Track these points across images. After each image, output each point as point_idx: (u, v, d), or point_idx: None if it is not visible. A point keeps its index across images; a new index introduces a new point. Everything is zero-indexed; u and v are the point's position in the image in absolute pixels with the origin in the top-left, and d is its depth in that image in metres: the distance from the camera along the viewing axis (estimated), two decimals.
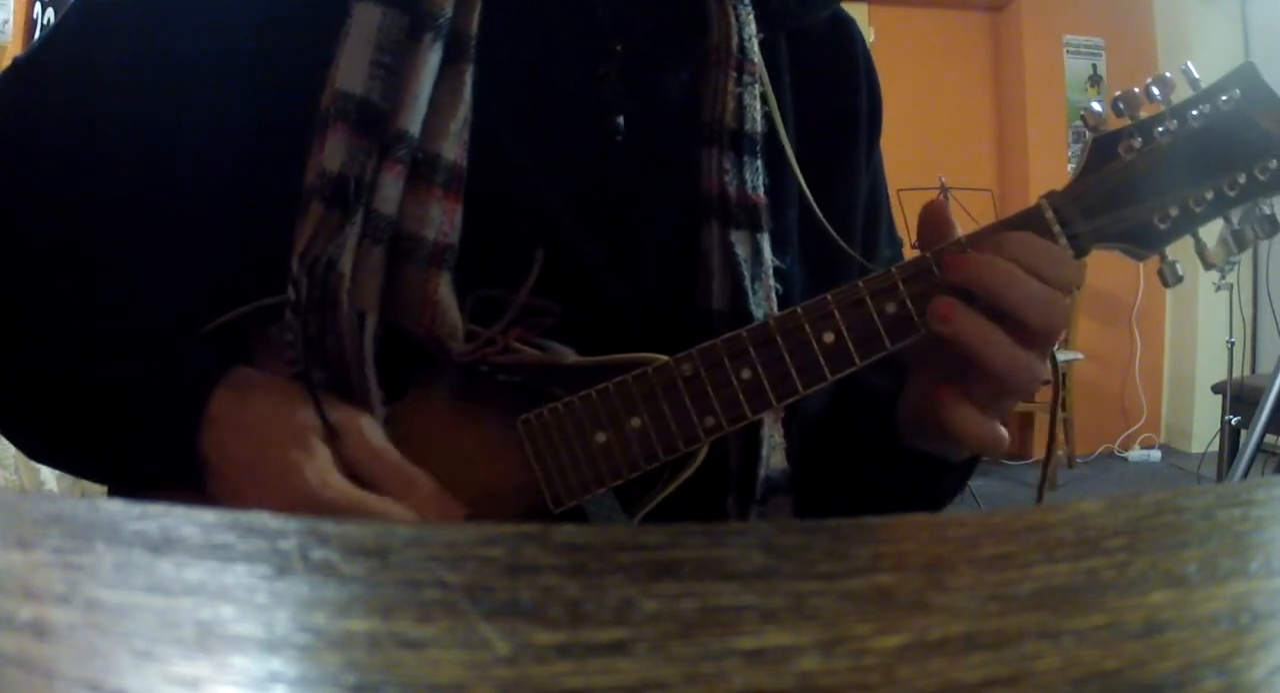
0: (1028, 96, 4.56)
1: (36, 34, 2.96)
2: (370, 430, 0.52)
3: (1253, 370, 3.74)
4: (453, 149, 0.54)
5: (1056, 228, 0.55)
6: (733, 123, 0.61)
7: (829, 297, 0.54)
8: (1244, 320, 3.70)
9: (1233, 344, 3.30)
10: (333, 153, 0.52)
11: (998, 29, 4.79)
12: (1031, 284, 0.53)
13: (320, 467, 0.50)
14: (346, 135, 0.52)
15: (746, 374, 0.54)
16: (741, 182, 0.60)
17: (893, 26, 4.46)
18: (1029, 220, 0.56)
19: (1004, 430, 0.55)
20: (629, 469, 0.54)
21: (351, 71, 0.53)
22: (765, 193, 0.61)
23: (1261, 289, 3.90)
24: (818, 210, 0.62)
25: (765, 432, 0.59)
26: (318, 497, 0.49)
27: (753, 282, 0.59)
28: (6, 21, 2.94)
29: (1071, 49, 4.59)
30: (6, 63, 0.63)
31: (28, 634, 0.15)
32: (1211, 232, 0.58)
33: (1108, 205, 0.56)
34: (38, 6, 3.02)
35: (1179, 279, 0.58)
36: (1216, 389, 3.25)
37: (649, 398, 0.54)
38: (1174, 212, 0.56)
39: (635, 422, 0.54)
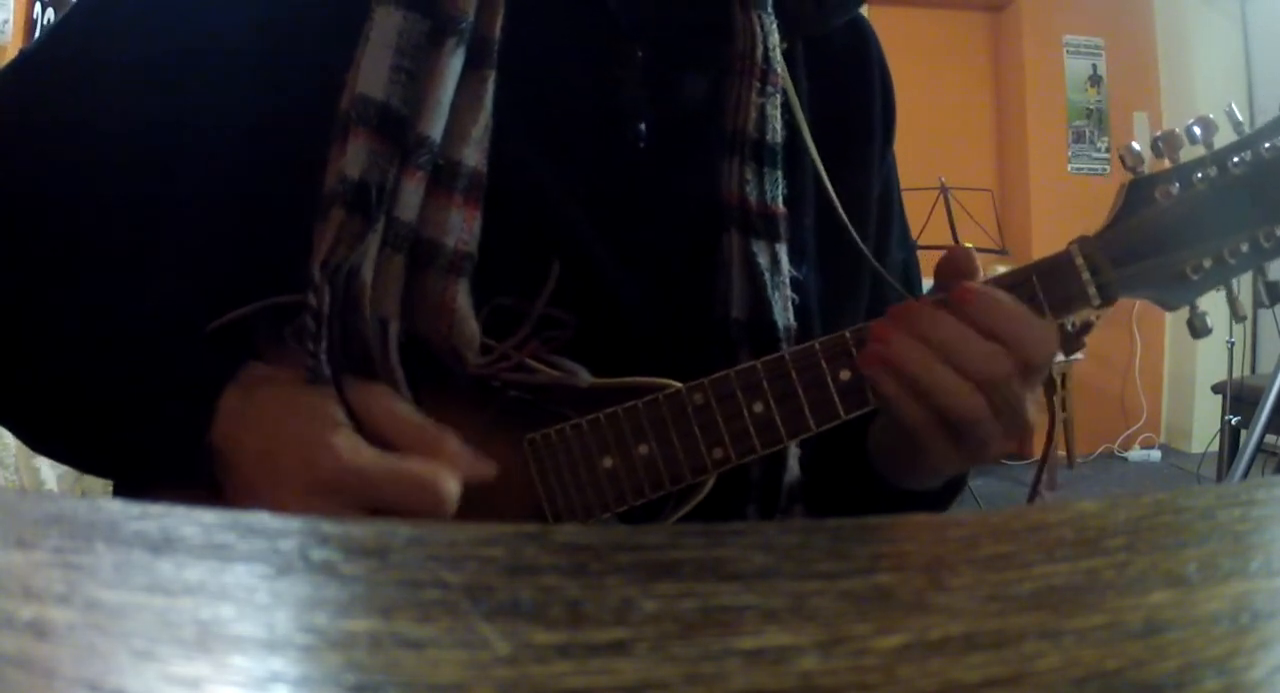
0: (1028, 96, 4.55)
1: (37, 34, 2.96)
2: (390, 398, 0.51)
3: (1253, 370, 3.74)
4: (474, 156, 0.53)
5: (1085, 275, 0.54)
6: (755, 133, 0.60)
7: (847, 333, 0.53)
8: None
9: (1233, 344, 3.29)
10: (354, 158, 0.52)
11: (998, 29, 4.79)
12: (948, 375, 0.51)
13: (348, 438, 0.49)
14: (367, 141, 0.52)
15: (759, 407, 0.53)
16: (762, 192, 0.60)
17: (893, 26, 4.44)
18: (1058, 267, 0.54)
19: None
20: (634, 496, 0.53)
21: (372, 76, 0.52)
22: (784, 203, 0.60)
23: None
24: (846, 220, 0.62)
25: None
26: (351, 467, 0.48)
27: (773, 291, 0.59)
28: (6, 21, 2.94)
29: (1071, 49, 4.58)
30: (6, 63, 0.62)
31: (28, 634, 0.15)
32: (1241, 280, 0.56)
33: (1140, 254, 0.54)
34: (38, 6, 3.02)
35: (1209, 330, 0.56)
36: (1216, 389, 3.25)
37: (658, 425, 0.53)
38: (1207, 263, 0.55)
39: (643, 448, 0.53)
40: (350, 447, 0.49)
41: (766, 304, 0.58)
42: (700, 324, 0.59)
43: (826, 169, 0.63)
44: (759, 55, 0.61)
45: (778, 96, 0.61)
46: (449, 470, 0.50)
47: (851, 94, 0.69)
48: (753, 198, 0.59)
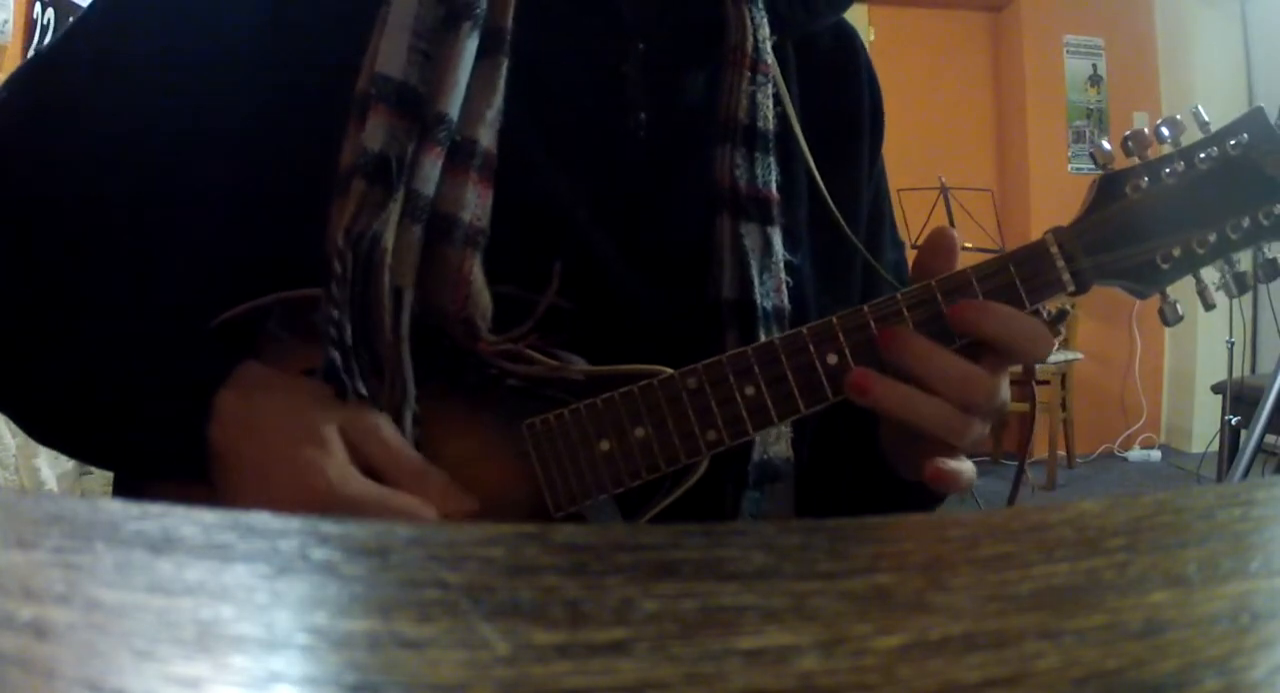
0: (1028, 96, 4.56)
1: (37, 34, 2.96)
2: (386, 428, 0.53)
3: (1253, 370, 3.74)
4: (487, 136, 0.55)
5: (1060, 263, 0.56)
6: (745, 119, 0.62)
7: (834, 319, 0.55)
8: (1244, 320, 3.69)
9: (1233, 344, 3.30)
10: (373, 133, 0.53)
11: (998, 29, 4.79)
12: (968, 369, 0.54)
13: (340, 464, 0.51)
14: (387, 117, 0.53)
15: (750, 391, 0.54)
16: (752, 176, 0.61)
17: (893, 26, 4.46)
18: (1034, 255, 0.57)
19: (969, 467, 0.57)
20: (630, 477, 0.55)
21: (391, 56, 0.54)
22: (778, 190, 0.62)
23: (1261, 289, 3.89)
24: (831, 204, 0.64)
25: None
26: (338, 494, 0.50)
27: (760, 273, 0.60)
28: (6, 21, 2.94)
29: (1071, 49, 4.59)
30: (6, 63, 0.63)
31: (28, 634, 0.15)
32: (1213, 272, 0.59)
33: (1112, 243, 0.57)
34: (38, 6, 3.02)
35: (1179, 318, 0.59)
36: (1216, 389, 3.25)
37: (653, 409, 0.54)
38: (1176, 252, 0.57)
39: (639, 432, 0.54)
40: (340, 475, 0.50)
41: (752, 284, 0.59)
42: (695, 309, 0.60)
43: (817, 166, 0.65)
44: (749, 46, 0.63)
45: (769, 86, 0.63)
46: (431, 508, 0.51)
47: (840, 98, 0.71)
48: (743, 182, 0.61)
